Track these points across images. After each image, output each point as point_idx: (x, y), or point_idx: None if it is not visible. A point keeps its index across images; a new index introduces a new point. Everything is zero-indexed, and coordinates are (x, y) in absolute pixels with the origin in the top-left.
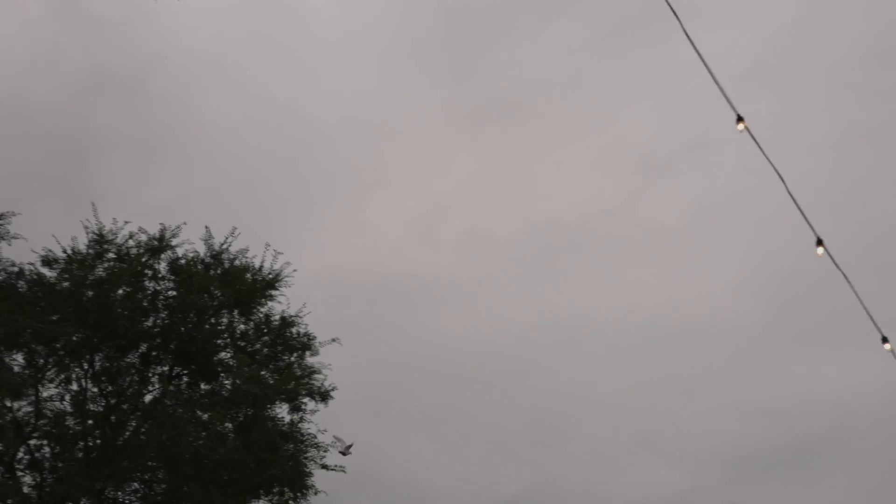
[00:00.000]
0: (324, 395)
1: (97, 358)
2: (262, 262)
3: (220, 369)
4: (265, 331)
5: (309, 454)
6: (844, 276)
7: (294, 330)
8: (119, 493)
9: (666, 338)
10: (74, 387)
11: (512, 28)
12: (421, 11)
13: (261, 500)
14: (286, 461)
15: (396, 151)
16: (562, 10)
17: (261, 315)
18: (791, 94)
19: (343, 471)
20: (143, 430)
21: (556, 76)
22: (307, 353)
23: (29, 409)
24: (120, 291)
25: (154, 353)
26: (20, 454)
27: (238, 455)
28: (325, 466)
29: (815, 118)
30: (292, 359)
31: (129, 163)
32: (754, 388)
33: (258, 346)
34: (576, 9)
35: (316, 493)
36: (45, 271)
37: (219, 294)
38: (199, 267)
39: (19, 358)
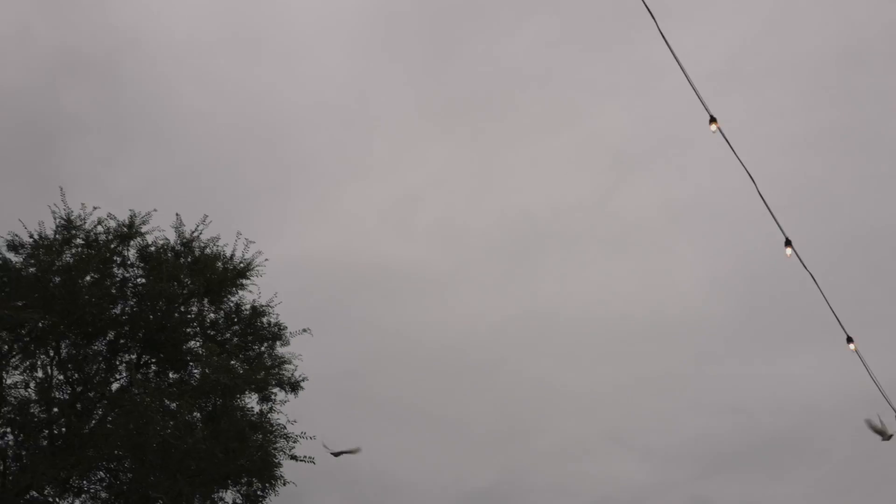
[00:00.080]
0: (294, 386)
1: (63, 345)
2: (234, 250)
3: (189, 358)
4: (235, 320)
5: (278, 445)
6: (812, 276)
7: (265, 320)
8: (84, 483)
9: (636, 334)
10: (40, 374)
11: (489, 21)
12: (398, 1)
13: (229, 491)
14: (255, 452)
15: (371, 141)
16: (539, 5)
17: (231, 304)
18: (764, 95)
19: (312, 462)
20: (109, 418)
21: (532, 70)
22: (278, 343)
23: None
24: (88, 278)
25: (122, 341)
26: None
27: (206, 445)
28: (294, 457)
29: (787, 118)
30: (263, 349)
31: (98, 147)
32: (722, 385)
33: (228, 335)
34: (553, 4)
35: (285, 484)
36: (11, 256)
37: (189, 282)
38: (169, 254)
39: None
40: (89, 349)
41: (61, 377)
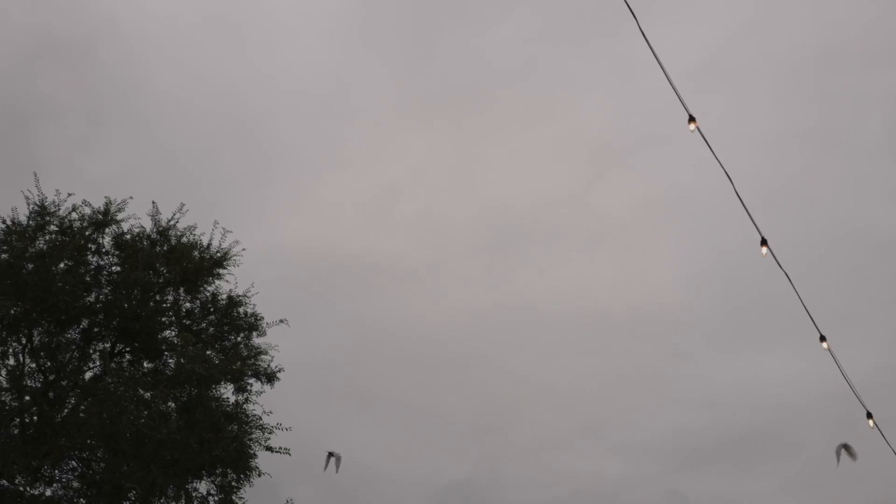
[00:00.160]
0: (270, 377)
1: (36, 332)
2: (211, 239)
3: (164, 348)
4: (211, 310)
5: (253, 436)
6: (787, 275)
7: (241, 310)
8: (56, 472)
9: (614, 328)
10: (11, 361)
11: (470, 14)
12: None
13: (203, 482)
14: (230, 442)
15: (351, 132)
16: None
17: (207, 294)
18: (743, 93)
19: (288, 453)
20: (82, 407)
21: (513, 64)
22: (254, 333)
23: None
24: (61, 265)
25: (96, 330)
26: None
27: (181, 435)
28: (269, 448)
29: (765, 117)
30: (239, 339)
31: (74, 132)
32: (698, 381)
33: (204, 325)
34: None
35: (260, 476)
36: None
37: (164, 271)
38: (145, 243)
39: None
40: (62, 337)
41: (33, 365)
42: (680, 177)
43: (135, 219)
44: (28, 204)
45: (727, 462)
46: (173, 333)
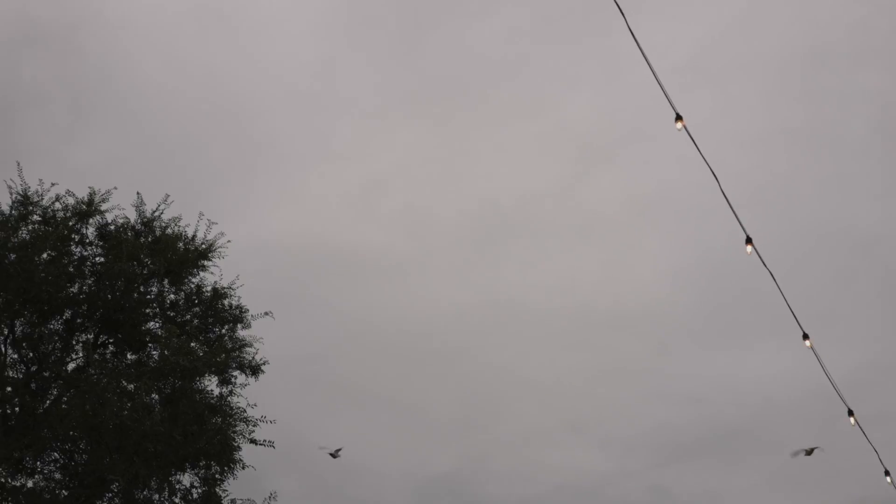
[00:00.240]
0: (254, 369)
1: (18, 323)
2: (196, 231)
3: (147, 339)
4: (196, 302)
5: (237, 428)
6: (771, 274)
7: (226, 302)
8: (38, 463)
9: (598, 323)
10: None
11: (458, 9)
12: None
13: (186, 474)
14: (214, 435)
15: (338, 125)
16: None
17: (192, 286)
18: (729, 91)
19: (272, 446)
20: (65, 398)
21: (501, 59)
22: (239, 325)
23: None
24: (44, 255)
25: (79, 321)
26: None
27: (164, 427)
28: (253, 441)
29: (751, 116)
30: (223, 331)
31: (57, 121)
32: (682, 376)
33: (188, 317)
34: None
35: (243, 468)
36: None
37: (149, 262)
38: (129, 234)
39: None
40: (45, 328)
41: (15, 356)
42: (666, 174)
43: (119, 209)
44: (11, 193)
45: (710, 457)
46: (157, 325)
